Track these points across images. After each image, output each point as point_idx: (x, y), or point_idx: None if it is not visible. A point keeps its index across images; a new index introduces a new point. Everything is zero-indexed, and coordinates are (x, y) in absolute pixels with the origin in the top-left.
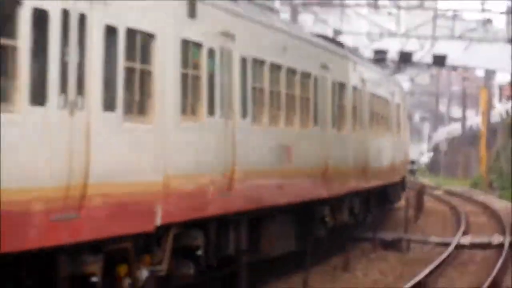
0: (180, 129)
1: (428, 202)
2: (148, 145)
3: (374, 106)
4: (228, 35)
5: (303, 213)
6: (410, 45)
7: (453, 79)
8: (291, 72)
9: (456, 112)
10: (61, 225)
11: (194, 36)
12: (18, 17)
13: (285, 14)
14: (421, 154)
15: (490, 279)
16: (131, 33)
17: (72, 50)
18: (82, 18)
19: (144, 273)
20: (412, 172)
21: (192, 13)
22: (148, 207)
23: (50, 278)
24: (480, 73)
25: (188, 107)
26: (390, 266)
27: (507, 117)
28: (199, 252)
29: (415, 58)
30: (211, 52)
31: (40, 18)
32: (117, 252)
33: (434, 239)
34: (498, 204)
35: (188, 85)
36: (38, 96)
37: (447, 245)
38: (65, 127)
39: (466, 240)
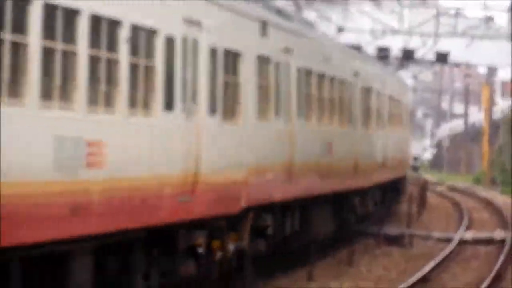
0: (256, 130)
1: (431, 198)
2: (236, 142)
3: (392, 107)
4: (288, 50)
5: (338, 202)
6: (413, 43)
7: (455, 76)
8: (332, 79)
9: (459, 108)
10: (182, 206)
11: (264, 52)
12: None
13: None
14: (424, 150)
15: (492, 274)
16: (227, 53)
17: (188, 69)
18: (195, 43)
19: (231, 247)
20: (415, 168)
21: (263, 33)
22: (236, 194)
23: (171, 248)
24: (482, 70)
25: (262, 111)
26: (393, 261)
27: (509, 113)
28: (269, 231)
29: (418, 55)
30: (277, 66)
31: (169, 44)
32: (215, 229)
33: (437, 234)
34: (501, 199)
35: (262, 93)
36: (169, 104)
37: (450, 240)
38: (184, 127)
39: (469, 235)
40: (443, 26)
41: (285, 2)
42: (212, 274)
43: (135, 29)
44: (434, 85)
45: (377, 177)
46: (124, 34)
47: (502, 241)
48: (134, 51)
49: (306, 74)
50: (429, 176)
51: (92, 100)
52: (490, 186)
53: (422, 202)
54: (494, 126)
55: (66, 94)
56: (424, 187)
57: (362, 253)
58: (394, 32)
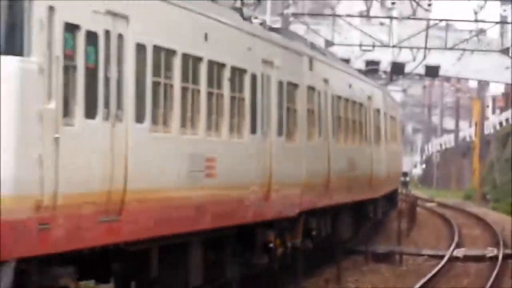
0: (307, 149)
1: (421, 215)
2: (295, 158)
3: (391, 125)
4: (326, 81)
5: (356, 210)
6: (403, 56)
7: (445, 90)
8: (354, 103)
9: (449, 123)
10: (259, 209)
11: (311, 83)
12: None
13: (276, 25)
14: (414, 166)
15: None
16: (289, 85)
17: (265, 99)
18: (268, 78)
19: (289, 244)
20: (405, 184)
21: (311, 67)
22: (295, 201)
23: (249, 244)
24: (473, 84)
25: (309, 133)
26: (383, 278)
27: (501, 129)
28: (314, 233)
29: (408, 69)
30: (319, 94)
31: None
32: (280, 228)
33: (427, 251)
34: (492, 216)
35: (309, 117)
36: (253, 128)
37: (440, 257)
38: (262, 147)
39: (460, 252)
40: (433, 39)
41: (272, 18)
42: (275, 266)
43: (233, 70)
44: (424, 99)
45: (383, 189)
46: (227, 74)
47: (494, 258)
48: (232, 87)
49: (337, 99)
50: (419, 192)
51: (208, 126)
52: (481, 203)
53: (412, 218)
54: (485, 141)
55: (193, 122)
56: (414, 203)
57: (350, 270)
58: (383, 45)
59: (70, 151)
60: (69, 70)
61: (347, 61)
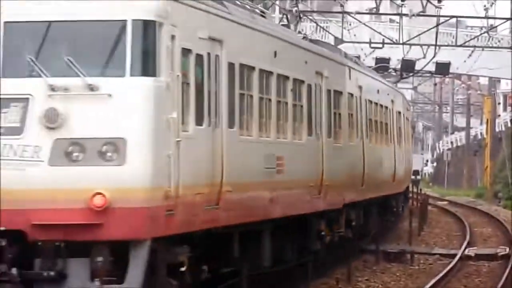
0: (349, 148)
1: (432, 213)
2: (340, 156)
3: (405, 125)
4: (360, 87)
5: (381, 204)
6: (413, 53)
7: (456, 87)
8: (381, 106)
9: (460, 121)
10: (313, 201)
11: (350, 90)
12: None
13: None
14: (425, 164)
15: None
16: (335, 92)
17: (317, 106)
18: (320, 87)
19: (335, 233)
20: (416, 182)
21: (349, 76)
22: (339, 194)
23: (305, 232)
24: (484, 81)
25: (350, 134)
26: (394, 278)
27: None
28: (354, 223)
29: (418, 66)
30: (356, 99)
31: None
32: (328, 218)
33: (438, 250)
34: (504, 214)
35: (351, 120)
36: (309, 131)
37: (452, 256)
38: (316, 147)
39: (471, 251)
40: (443, 36)
41: (281, 13)
42: (325, 251)
43: (295, 81)
44: (435, 97)
45: (403, 185)
46: (290, 85)
47: (506, 257)
48: (294, 96)
49: (369, 104)
50: (430, 191)
51: (277, 130)
52: (493, 201)
53: (423, 217)
54: (496, 138)
55: (267, 127)
56: (425, 202)
57: (361, 270)
58: (393, 42)
59: (186, 152)
60: (184, 86)
61: (357, 58)
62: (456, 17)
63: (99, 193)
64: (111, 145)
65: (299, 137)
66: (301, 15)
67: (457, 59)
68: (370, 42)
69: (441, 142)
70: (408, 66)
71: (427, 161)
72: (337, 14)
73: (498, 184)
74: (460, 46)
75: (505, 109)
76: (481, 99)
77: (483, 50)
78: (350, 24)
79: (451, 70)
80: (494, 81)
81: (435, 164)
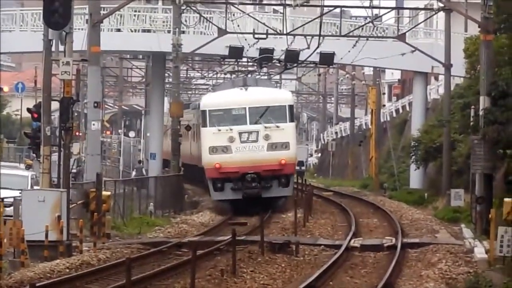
0: None
1: (317, 204)
2: None
3: None
4: None
5: None
6: (297, 44)
7: (341, 78)
8: None
9: (345, 111)
10: None
11: None
12: None
13: (168, 14)
14: (310, 155)
15: (382, 282)
16: None
17: None
18: None
19: None
20: (301, 173)
21: None
22: None
23: None
24: (369, 71)
25: None
26: (279, 269)
27: (398, 116)
28: None
29: (302, 56)
30: None
31: None
32: None
33: (323, 241)
34: (389, 204)
35: None
36: None
37: (337, 247)
38: None
39: (357, 242)
40: (328, 26)
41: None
42: None
43: None
44: (319, 87)
45: None
46: None
47: (392, 247)
48: None
49: None
50: (315, 182)
51: None
52: (379, 191)
53: (308, 208)
54: (381, 129)
55: None
56: (310, 193)
57: (246, 261)
58: (277, 33)
59: None
60: None
61: (241, 49)
62: (340, 7)
63: None
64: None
65: None
66: (185, 6)
67: (342, 49)
68: (254, 33)
69: (325, 132)
70: (292, 57)
71: (311, 152)
72: (220, 5)
73: (383, 174)
74: (344, 36)
75: (390, 99)
76: (366, 89)
77: (367, 40)
78: (233, 15)
79: (335, 61)
80: (378, 71)
81: (319, 155)
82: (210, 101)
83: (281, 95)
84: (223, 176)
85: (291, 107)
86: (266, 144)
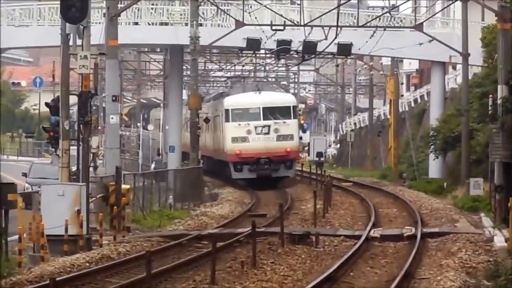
0: None
1: (337, 195)
2: None
3: None
4: None
5: None
6: (315, 35)
7: (359, 68)
8: None
9: (364, 102)
10: None
11: None
12: None
13: (186, 7)
14: (328, 146)
15: (402, 272)
16: None
17: None
18: None
19: None
20: (320, 164)
21: None
22: None
23: None
24: (386, 61)
25: None
26: (299, 260)
27: (416, 106)
28: None
29: (320, 48)
30: None
31: None
32: None
33: (343, 232)
34: (408, 194)
35: None
36: None
37: (357, 238)
38: None
39: (377, 232)
40: (345, 17)
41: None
42: None
43: None
44: (337, 78)
45: None
46: None
47: (412, 237)
48: None
49: None
50: (334, 172)
51: None
52: (398, 181)
53: (328, 199)
54: (400, 119)
55: None
56: (329, 183)
57: (266, 253)
58: (294, 24)
59: None
60: None
61: (258, 42)
62: None
63: None
64: None
65: None
66: None
67: (359, 40)
68: (271, 25)
69: (344, 123)
70: (310, 48)
71: (330, 143)
72: None
73: (402, 164)
74: (362, 26)
75: (408, 89)
76: (384, 79)
77: (385, 30)
78: (251, 7)
79: (353, 51)
80: (396, 61)
81: (338, 145)
82: (231, 101)
83: (286, 97)
84: (242, 160)
85: (294, 107)
86: (276, 135)
